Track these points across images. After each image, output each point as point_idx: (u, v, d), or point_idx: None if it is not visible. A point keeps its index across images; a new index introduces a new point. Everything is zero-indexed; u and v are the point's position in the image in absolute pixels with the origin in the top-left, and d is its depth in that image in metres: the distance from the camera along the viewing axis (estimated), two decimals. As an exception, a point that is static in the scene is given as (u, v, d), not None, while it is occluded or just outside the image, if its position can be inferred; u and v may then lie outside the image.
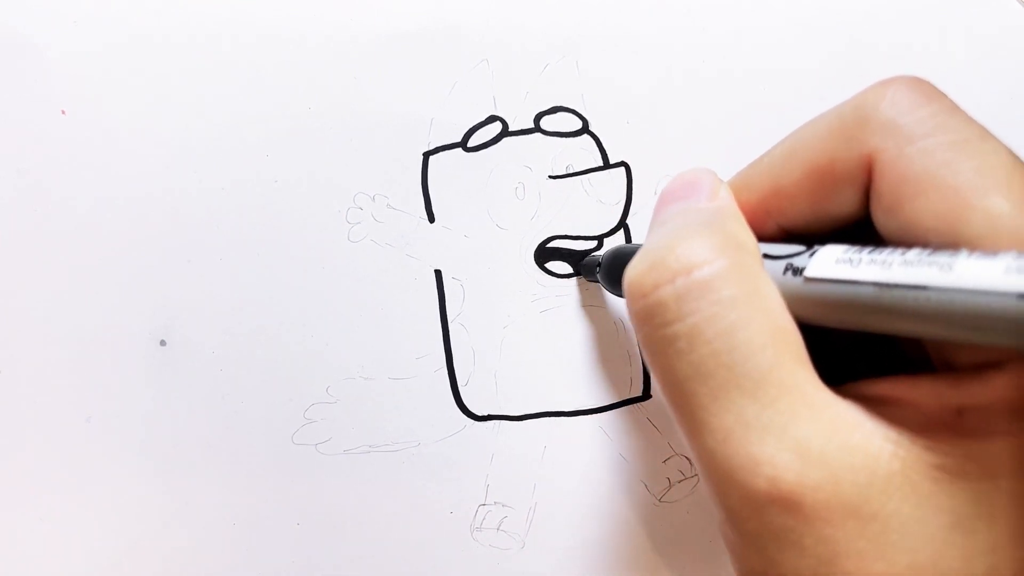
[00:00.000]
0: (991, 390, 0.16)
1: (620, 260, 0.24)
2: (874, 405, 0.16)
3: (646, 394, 0.28)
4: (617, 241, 0.28)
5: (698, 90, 0.28)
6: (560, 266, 0.28)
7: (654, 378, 0.18)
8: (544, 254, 0.28)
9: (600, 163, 0.28)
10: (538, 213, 0.28)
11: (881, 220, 0.17)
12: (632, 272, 0.18)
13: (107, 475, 0.28)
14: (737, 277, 0.16)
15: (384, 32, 0.28)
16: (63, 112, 0.27)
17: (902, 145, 0.17)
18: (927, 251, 0.15)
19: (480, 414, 0.28)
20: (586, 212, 0.28)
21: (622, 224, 0.28)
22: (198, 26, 0.27)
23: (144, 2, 0.27)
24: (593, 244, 0.28)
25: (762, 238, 0.19)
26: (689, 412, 0.17)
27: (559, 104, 0.28)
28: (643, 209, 0.28)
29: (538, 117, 0.28)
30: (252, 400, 0.28)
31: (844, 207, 0.18)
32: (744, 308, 0.16)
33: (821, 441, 0.16)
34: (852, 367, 0.18)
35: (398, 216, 0.28)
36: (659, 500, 0.29)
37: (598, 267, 0.26)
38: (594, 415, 0.28)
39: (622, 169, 0.28)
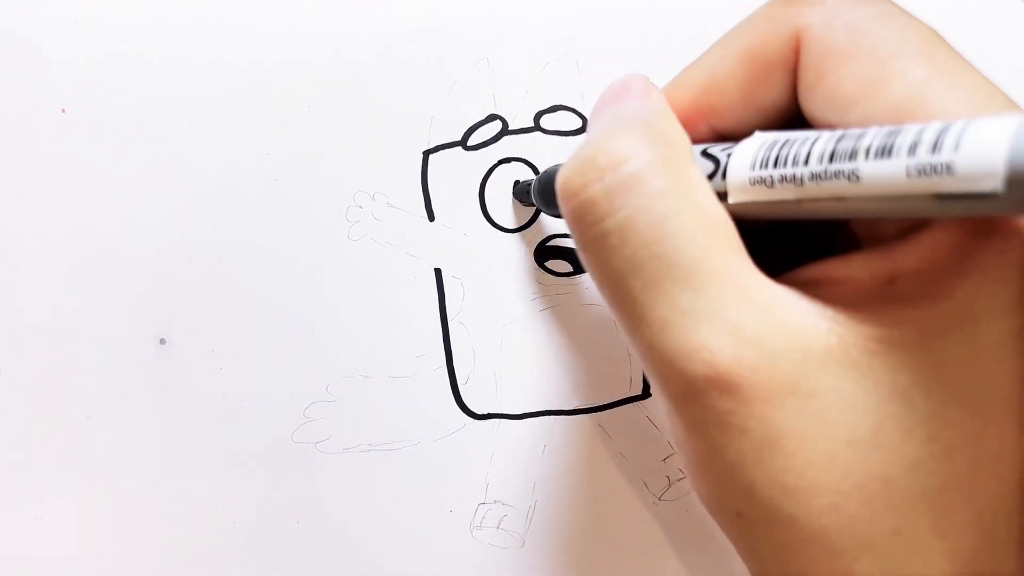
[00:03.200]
0: (919, 253, 0.16)
1: (550, 179, 0.24)
2: (809, 288, 0.17)
3: (646, 393, 0.28)
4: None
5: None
6: (560, 265, 0.28)
7: (592, 278, 0.18)
8: (544, 253, 0.28)
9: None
10: (538, 212, 0.28)
11: (805, 100, 0.18)
12: (562, 175, 0.18)
13: (107, 474, 0.28)
14: (665, 169, 0.17)
15: (384, 32, 0.28)
16: (63, 112, 0.27)
17: (828, 18, 0.17)
18: (833, 140, 0.15)
19: (480, 413, 0.28)
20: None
21: (621, 223, 0.28)
22: (198, 25, 0.27)
23: (144, 1, 0.27)
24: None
25: (695, 141, 0.19)
26: (626, 307, 0.17)
27: (559, 103, 0.28)
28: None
29: (538, 116, 0.28)
30: (252, 399, 0.28)
31: (774, 95, 0.18)
32: (673, 199, 0.16)
33: (755, 323, 0.16)
34: (785, 257, 0.18)
35: (398, 215, 0.28)
36: (659, 498, 0.29)
37: (532, 189, 0.26)
38: (594, 414, 0.28)
39: (621, 168, 0.28)
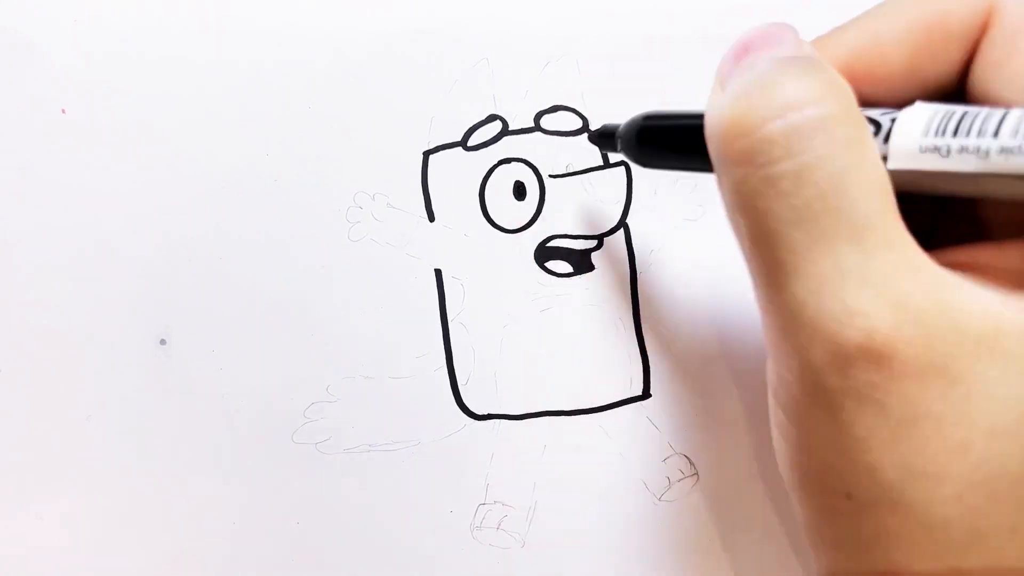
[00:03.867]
0: None
1: (662, 124, 0.22)
2: (963, 271, 0.16)
3: (646, 393, 0.28)
4: (618, 241, 0.28)
5: (698, 90, 0.28)
6: (560, 266, 0.28)
7: (740, 227, 0.17)
8: (544, 253, 0.28)
9: (600, 162, 0.28)
10: (538, 212, 0.28)
11: (984, 76, 0.17)
12: (727, 111, 0.16)
13: (107, 474, 0.28)
14: (849, 119, 0.16)
15: (384, 32, 0.28)
16: (63, 112, 0.27)
17: None
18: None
19: (480, 413, 0.28)
20: (586, 212, 0.28)
21: (622, 223, 0.28)
22: (198, 25, 0.27)
23: (144, 2, 0.27)
24: (593, 243, 0.28)
25: None
26: (780, 260, 0.16)
27: (559, 103, 0.28)
28: (643, 209, 0.28)
29: (538, 116, 0.28)
30: (252, 399, 0.28)
31: (943, 67, 0.17)
32: (858, 153, 0.15)
33: (920, 297, 0.15)
34: (927, 237, 0.18)
35: (398, 215, 0.28)
36: (659, 499, 0.29)
37: (619, 137, 0.24)
38: (594, 414, 0.28)
39: (622, 168, 0.28)
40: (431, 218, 0.28)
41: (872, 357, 0.15)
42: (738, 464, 0.28)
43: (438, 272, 0.28)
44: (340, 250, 0.28)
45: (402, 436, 0.28)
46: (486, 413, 0.28)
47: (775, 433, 0.19)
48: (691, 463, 0.29)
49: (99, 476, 0.28)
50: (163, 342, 0.28)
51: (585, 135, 0.28)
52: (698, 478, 0.28)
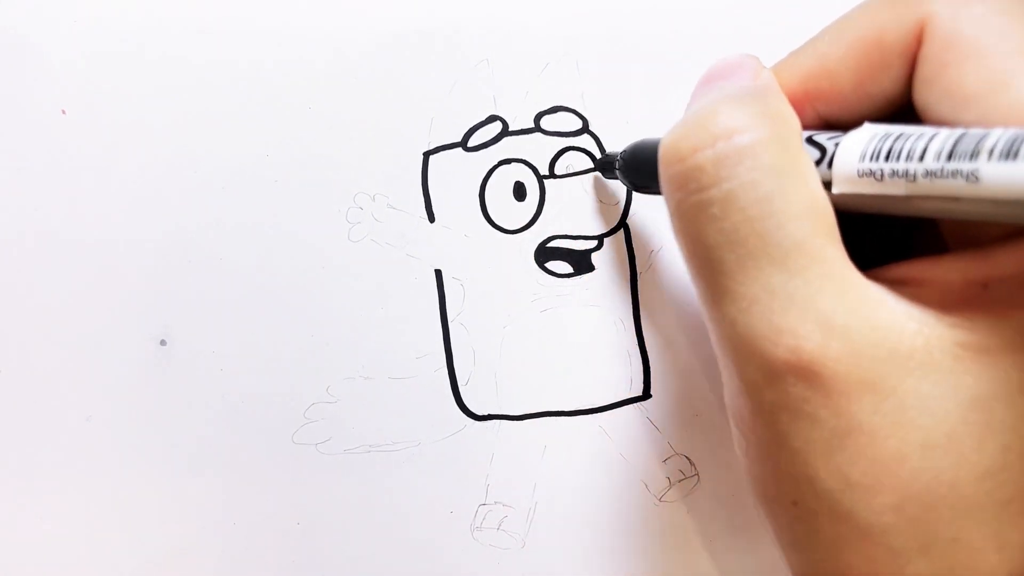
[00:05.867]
0: (1017, 260, 0.15)
1: (643, 150, 0.24)
2: (898, 286, 0.16)
3: (646, 394, 0.28)
4: (618, 242, 0.28)
5: (698, 90, 0.28)
6: (560, 266, 0.28)
7: (681, 248, 0.17)
8: (544, 254, 0.28)
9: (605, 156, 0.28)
10: (538, 213, 0.28)
11: (921, 92, 0.17)
12: (669, 137, 0.17)
13: (107, 475, 0.28)
14: (778, 147, 0.16)
15: (384, 32, 0.28)
16: (63, 112, 0.27)
17: (955, 10, 0.17)
18: (952, 138, 0.15)
19: (480, 414, 0.28)
20: (586, 212, 0.28)
21: (622, 224, 0.28)
22: (198, 26, 0.27)
23: (144, 2, 0.27)
24: (593, 244, 0.28)
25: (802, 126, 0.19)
26: (714, 280, 0.16)
27: (559, 104, 0.28)
28: (643, 209, 0.28)
29: (538, 117, 0.28)
30: (252, 400, 0.28)
31: (887, 84, 0.18)
32: (783, 179, 0.16)
33: (845, 315, 0.15)
34: (873, 253, 0.18)
35: (398, 216, 0.28)
36: (659, 500, 0.29)
37: (618, 160, 0.26)
38: (594, 415, 0.28)
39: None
40: (431, 218, 0.28)
41: (801, 373, 0.16)
42: (738, 465, 0.28)
43: (438, 272, 0.28)
44: (340, 250, 0.28)
45: (402, 437, 0.28)
46: (486, 414, 0.28)
47: (734, 443, 0.19)
48: (691, 463, 0.29)
49: (99, 476, 0.28)
50: (163, 342, 0.28)
51: (585, 134, 0.28)
52: (699, 479, 0.28)
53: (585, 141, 0.28)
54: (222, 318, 0.28)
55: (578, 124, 0.28)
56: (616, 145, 0.28)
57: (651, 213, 0.28)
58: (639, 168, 0.24)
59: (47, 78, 0.27)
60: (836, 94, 0.19)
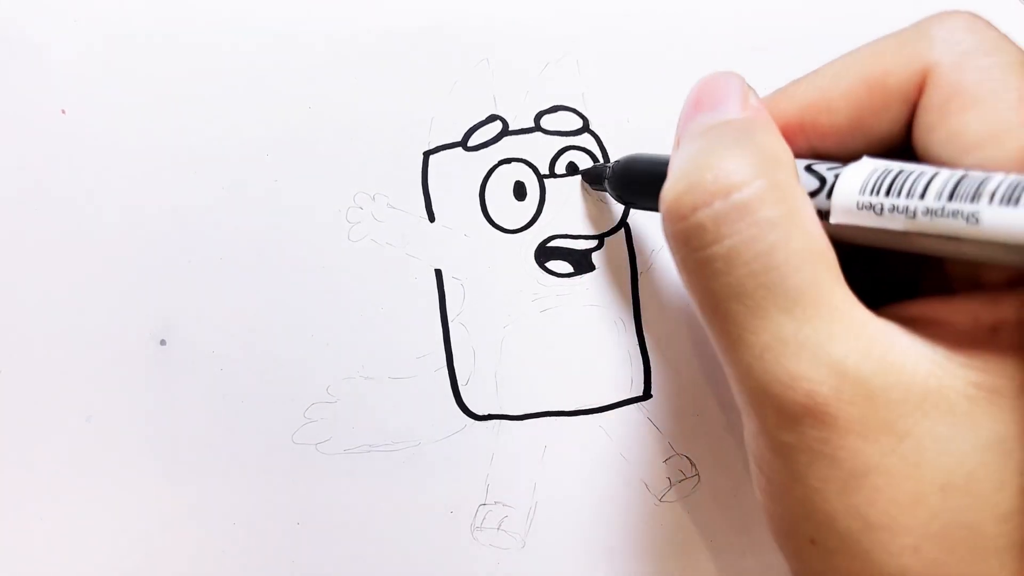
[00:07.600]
0: None
1: (636, 168, 0.24)
2: (909, 325, 0.16)
3: (646, 394, 0.28)
4: (618, 241, 0.28)
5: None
6: (560, 266, 0.28)
7: (691, 298, 0.18)
8: (544, 254, 0.28)
9: (601, 162, 0.28)
10: (538, 212, 0.28)
11: (923, 136, 0.17)
12: (669, 194, 0.17)
13: (107, 475, 0.28)
14: (774, 197, 0.16)
15: (384, 32, 0.28)
16: (63, 112, 0.27)
17: (960, 59, 0.17)
18: (954, 178, 0.15)
19: (480, 414, 0.28)
20: (586, 211, 0.28)
21: (622, 224, 0.28)
22: (198, 26, 0.27)
23: (144, 2, 0.27)
24: (593, 243, 0.28)
25: (794, 155, 0.19)
26: (726, 331, 0.17)
27: (559, 103, 0.28)
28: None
29: (538, 116, 0.28)
30: (252, 400, 0.28)
31: (886, 125, 0.18)
32: (782, 229, 0.16)
33: (857, 358, 0.16)
34: (881, 290, 0.18)
35: (398, 215, 0.28)
36: (659, 500, 0.29)
37: (606, 176, 0.26)
38: (594, 415, 0.28)
39: (622, 168, 0.28)
40: (431, 218, 0.28)
41: (817, 416, 0.16)
42: (739, 465, 0.28)
43: (438, 272, 0.28)
44: (340, 250, 0.28)
45: (402, 437, 0.28)
46: (486, 413, 0.28)
47: (753, 481, 0.19)
48: (692, 464, 0.28)
49: (99, 476, 0.28)
50: (163, 342, 0.28)
51: (585, 134, 0.28)
52: (699, 479, 0.28)
53: (585, 140, 0.28)
54: (222, 318, 0.28)
55: (578, 123, 0.28)
56: (616, 145, 0.28)
57: (652, 213, 0.28)
58: (629, 185, 0.24)
59: (47, 78, 0.27)
60: (833, 128, 0.19)
